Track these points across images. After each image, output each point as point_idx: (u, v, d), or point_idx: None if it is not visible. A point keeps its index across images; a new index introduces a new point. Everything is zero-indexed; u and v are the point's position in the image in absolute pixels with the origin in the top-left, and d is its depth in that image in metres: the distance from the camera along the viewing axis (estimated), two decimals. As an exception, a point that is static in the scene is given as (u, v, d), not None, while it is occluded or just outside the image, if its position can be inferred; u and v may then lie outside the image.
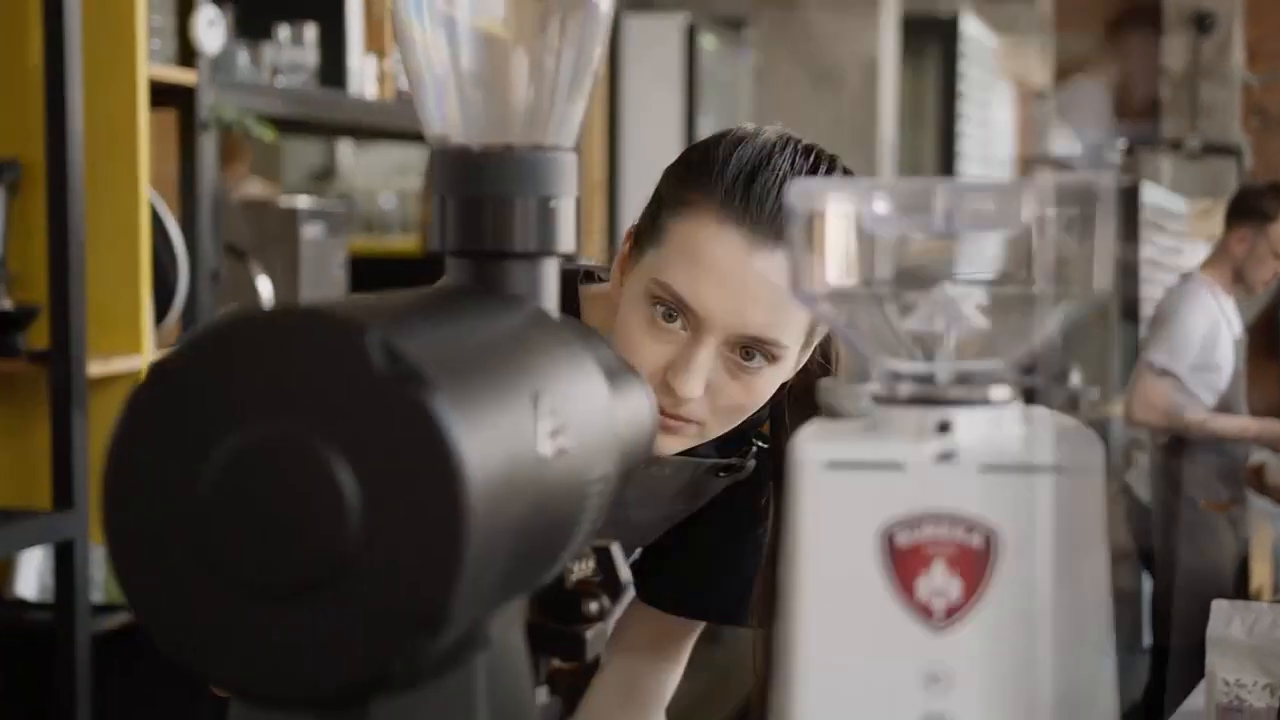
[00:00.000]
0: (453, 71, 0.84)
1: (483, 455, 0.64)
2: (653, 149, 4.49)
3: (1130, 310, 7.17)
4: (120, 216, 2.50)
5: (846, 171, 1.28)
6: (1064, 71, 9.99)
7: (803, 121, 4.84)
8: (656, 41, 4.65)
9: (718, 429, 1.26)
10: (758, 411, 1.28)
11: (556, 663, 0.81)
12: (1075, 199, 0.70)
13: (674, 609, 1.46)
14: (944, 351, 0.72)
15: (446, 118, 0.85)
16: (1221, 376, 4.29)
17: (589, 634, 0.80)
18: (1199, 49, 9.45)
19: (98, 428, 2.43)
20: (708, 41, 4.93)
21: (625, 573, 0.84)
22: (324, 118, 3.14)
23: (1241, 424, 4.36)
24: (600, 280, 1.40)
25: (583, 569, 0.84)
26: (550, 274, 0.85)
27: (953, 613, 0.68)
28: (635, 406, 0.87)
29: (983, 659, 0.68)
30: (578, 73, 0.86)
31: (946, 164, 7.45)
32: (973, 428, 0.71)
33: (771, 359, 1.22)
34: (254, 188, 3.84)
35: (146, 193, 2.52)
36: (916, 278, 0.74)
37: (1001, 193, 0.71)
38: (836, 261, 0.73)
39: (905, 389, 0.72)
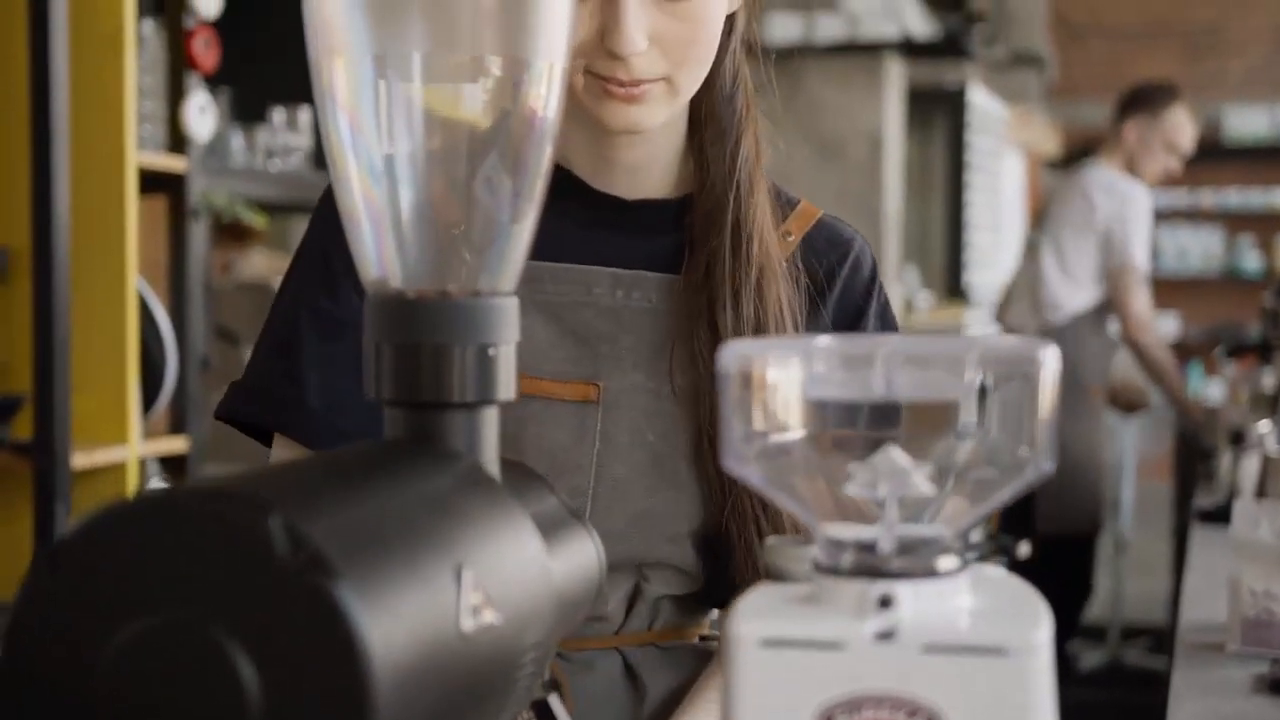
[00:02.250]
0: (389, 213, 0.82)
1: (393, 641, 0.61)
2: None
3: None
4: (108, 305, 2.48)
5: None
6: (1072, 139, 10.04)
7: (808, 193, 4.83)
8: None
9: (688, 79, 1.17)
10: None
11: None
12: (1016, 366, 0.67)
13: None
14: (887, 518, 0.69)
15: (383, 261, 0.82)
16: None
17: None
18: None
19: (80, 520, 2.39)
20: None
21: (565, 720, 0.81)
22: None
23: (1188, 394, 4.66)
24: None
25: (519, 730, 0.81)
26: (490, 424, 0.82)
27: (890, 807, 0.64)
28: (577, 559, 0.84)
29: None
30: (518, 214, 0.84)
31: (954, 232, 7.44)
32: (917, 601, 0.67)
33: None
34: (259, 261, 3.83)
35: (134, 281, 2.50)
36: (858, 440, 0.71)
37: (942, 358, 0.69)
38: (772, 424, 0.70)
39: (847, 558, 0.69)
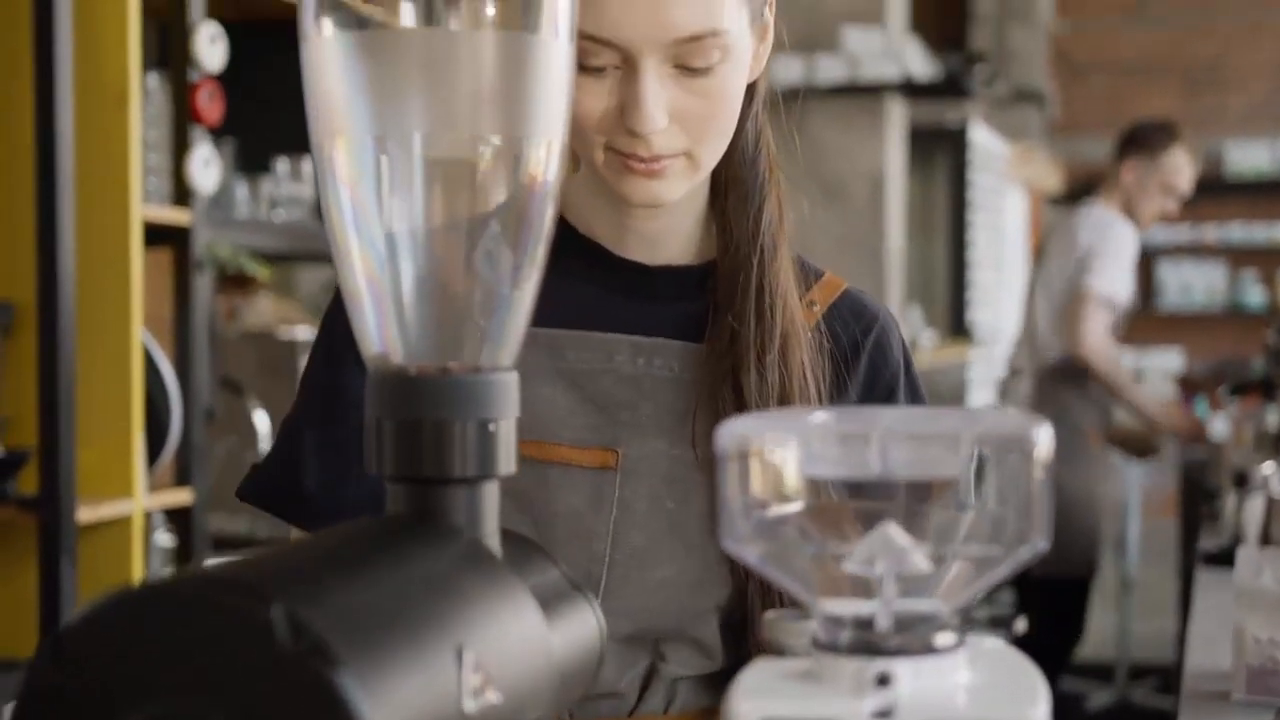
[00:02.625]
0: (390, 289, 0.83)
1: (396, 727, 0.62)
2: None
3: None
4: (113, 359, 2.49)
5: None
6: (1074, 175, 10.08)
7: (811, 234, 4.79)
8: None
9: (709, 153, 1.16)
10: None
11: None
12: (1010, 445, 0.68)
13: None
14: (884, 595, 0.70)
15: (384, 337, 0.83)
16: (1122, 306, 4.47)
17: None
18: None
19: (87, 575, 2.40)
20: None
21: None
22: (322, 250, 3.14)
23: (1152, 404, 4.62)
24: None
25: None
26: (490, 498, 0.82)
27: None
28: (578, 632, 0.84)
29: None
30: (518, 286, 0.84)
31: (957, 270, 7.46)
32: (915, 679, 0.68)
33: (721, 52, 1.13)
34: (265, 307, 3.84)
35: (139, 335, 2.51)
36: (856, 516, 0.72)
37: (938, 436, 0.69)
38: (770, 501, 0.71)
39: (845, 636, 0.70)
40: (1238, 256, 10.08)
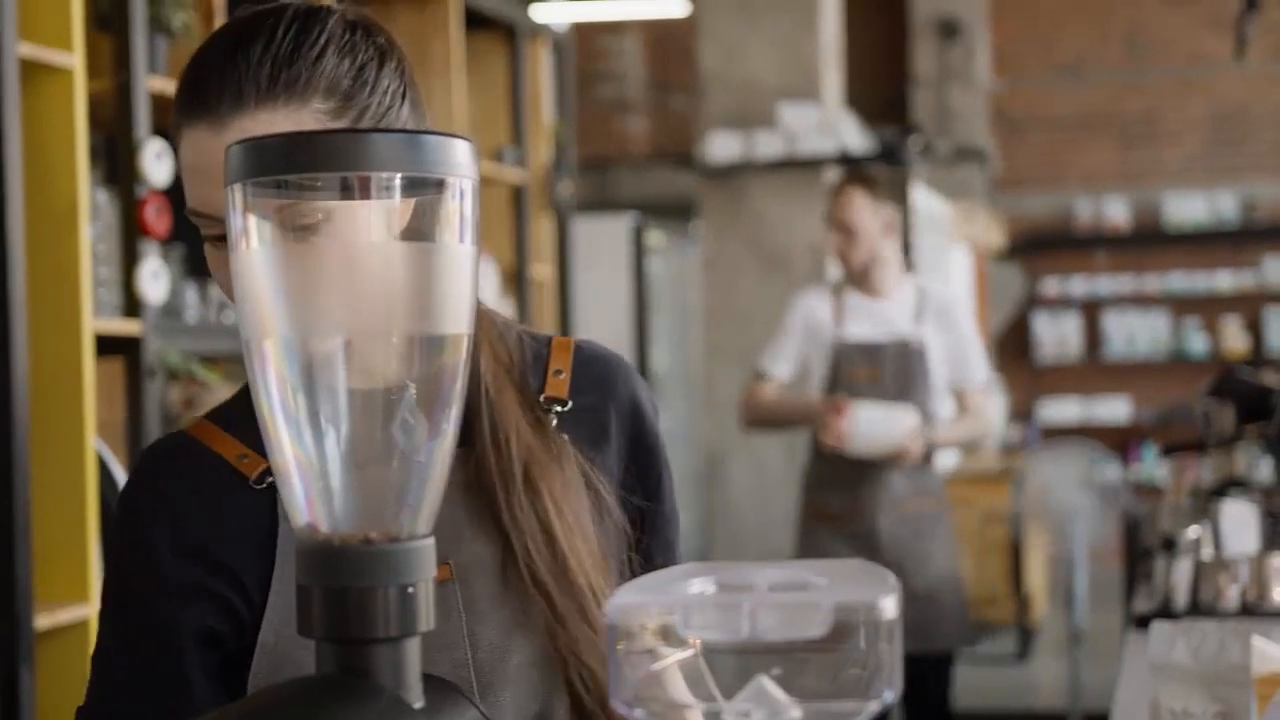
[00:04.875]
0: (315, 467, 0.92)
1: None
2: (605, 344, 4.57)
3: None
4: (67, 468, 2.56)
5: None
6: (1018, 230, 10.27)
7: (754, 305, 4.86)
8: (606, 239, 4.78)
9: None
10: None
11: None
12: (861, 613, 0.77)
13: None
14: (760, 747, 0.79)
15: (311, 510, 0.92)
16: None
17: None
18: (945, 55, 9.79)
19: (46, 682, 2.46)
20: (655, 238, 5.06)
21: None
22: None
23: (798, 403, 4.16)
24: None
25: None
26: (412, 653, 0.91)
27: None
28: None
29: None
30: (433, 458, 0.93)
31: (903, 331, 7.56)
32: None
33: (323, 215, 1.12)
34: (222, 396, 3.90)
35: (93, 444, 2.58)
36: (734, 673, 0.81)
37: (801, 607, 0.78)
38: (654, 664, 0.80)
39: (723, 781, 0.78)
40: (1180, 305, 10.28)
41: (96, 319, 2.65)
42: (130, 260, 2.77)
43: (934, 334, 3.97)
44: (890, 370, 4.01)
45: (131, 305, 2.77)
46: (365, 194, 0.89)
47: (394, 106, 1.23)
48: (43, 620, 2.49)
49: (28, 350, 2.48)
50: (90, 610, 2.58)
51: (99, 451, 2.63)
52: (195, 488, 1.25)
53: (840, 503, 4.03)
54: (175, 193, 2.87)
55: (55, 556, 2.55)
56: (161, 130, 2.87)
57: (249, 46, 1.17)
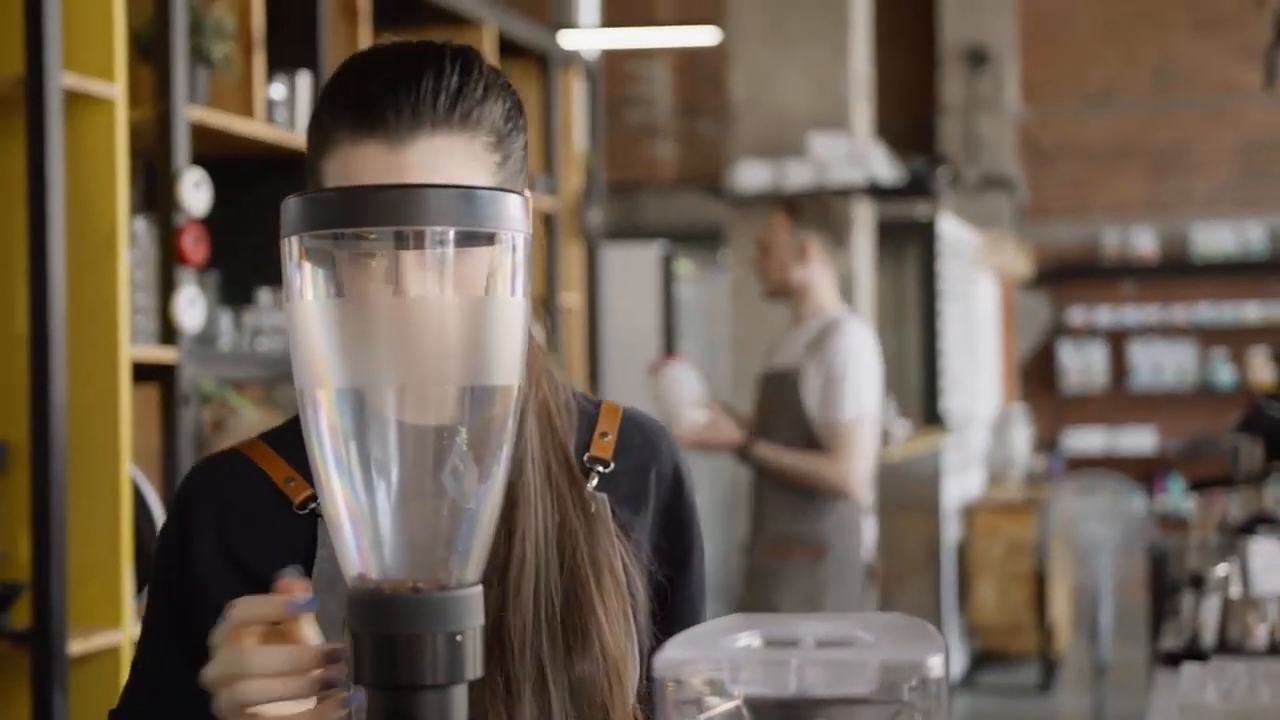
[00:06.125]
0: (367, 518, 0.93)
1: None
2: (634, 372, 4.59)
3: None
4: (103, 495, 2.58)
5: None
6: (1045, 259, 10.26)
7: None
8: (635, 268, 4.79)
9: None
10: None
11: None
12: (911, 672, 0.78)
13: None
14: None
15: (362, 560, 0.93)
16: None
17: None
18: (974, 83, 9.77)
19: (78, 706, 2.48)
20: (683, 267, 5.07)
21: None
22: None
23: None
24: None
25: None
26: (460, 700, 0.92)
27: None
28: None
29: None
30: (484, 510, 0.95)
31: (929, 359, 7.57)
32: None
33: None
34: (250, 418, 3.92)
35: (128, 471, 2.61)
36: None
37: (847, 664, 0.79)
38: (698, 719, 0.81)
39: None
40: (1207, 336, 10.24)
41: (133, 346, 2.67)
42: (167, 288, 2.80)
43: (814, 366, 3.85)
44: (769, 399, 3.95)
45: (168, 332, 2.80)
46: (420, 247, 0.90)
47: (525, 155, 1.26)
48: (76, 645, 2.51)
49: (66, 376, 2.50)
50: (123, 636, 2.60)
51: (134, 480, 2.65)
52: (241, 504, 1.28)
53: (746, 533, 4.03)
54: (212, 221, 2.90)
55: (89, 581, 2.57)
56: (200, 159, 2.90)
57: (419, 75, 1.18)
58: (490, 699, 1.21)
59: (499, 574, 1.22)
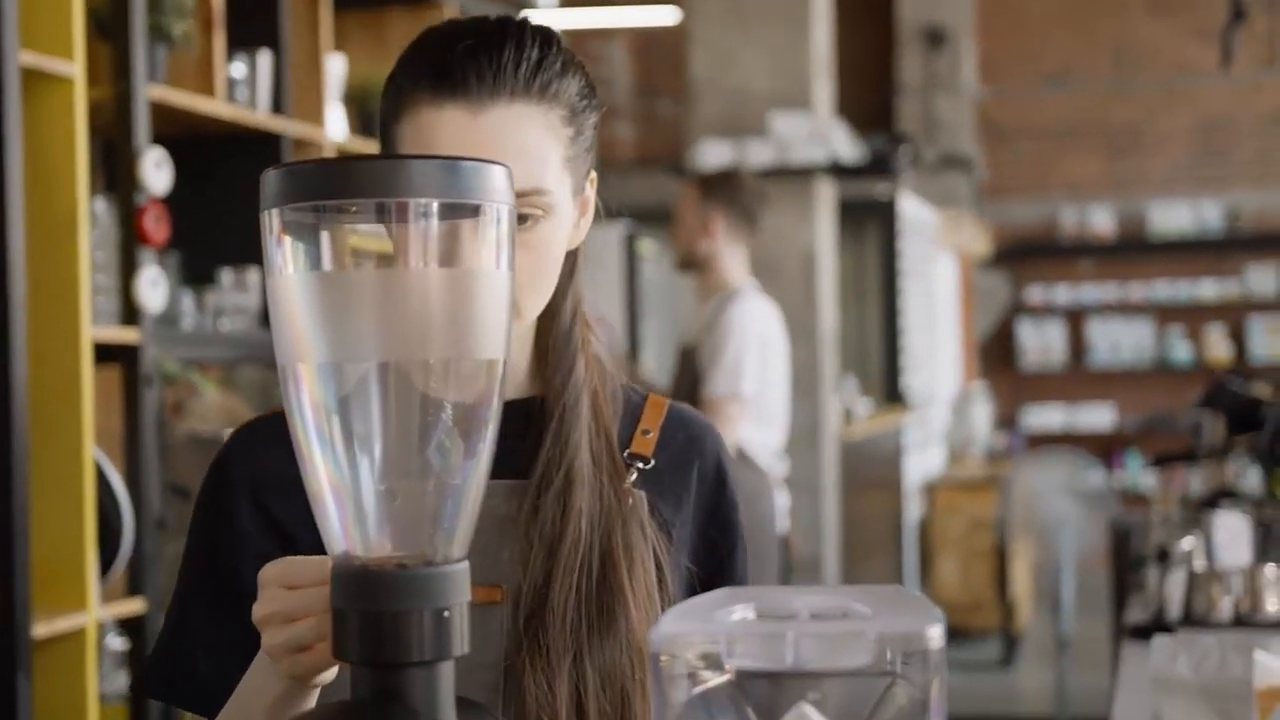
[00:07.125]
0: (351, 493, 0.92)
1: None
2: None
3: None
4: (65, 477, 2.55)
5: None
6: (1003, 238, 10.30)
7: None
8: (597, 247, 4.74)
9: (530, 304, 1.23)
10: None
11: None
12: (912, 643, 0.77)
13: None
14: (799, 772, 0.79)
15: (347, 536, 0.92)
16: None
17: None
18: (932, 63, 9.82)
19: (43, 690, 2.45)
20: (646, 247, 5.05)
21: None
22: (267, 357, 3.22)
23: None
24: None
25: None
26: (446, 677, 0.91)
27: None
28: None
29: None
30: (469, 486, 0.93)
31: (890, 338, 7.60)
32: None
33: (543, 210, 1.20)
34: (211, 400, 3.88)
35: (91, 452, 2.58)
36: (776, 701, 0.81)
37: (844, 636, 0.79)
38: (696, 691, 0.80)
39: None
40: (1164, 314, 10.31)
41: (95, 327, 2.64)
42: (129, 268, 2.77)
43: (707, 340, 3.91)
44: (679, 373, 4.03)
45: (130, 313, 2.77)
46: (402, 219, 0.89)
47: (595, 135, 1.27)
48: (40, 628, 2.48)
49: (27, 358, 2.47)
50: (89, 618, 2.58)
51: (97, 461, 2.62)
52: (278, 467, 1.26)
53: None
54: (174, 201, 2.87)
55: (53, 564, 2.54)
56: (161, 139, 2.87)
57: (501, 43, 1.20)
58: (531, 669, 1.21)
59: (550, 549, 1.23)
